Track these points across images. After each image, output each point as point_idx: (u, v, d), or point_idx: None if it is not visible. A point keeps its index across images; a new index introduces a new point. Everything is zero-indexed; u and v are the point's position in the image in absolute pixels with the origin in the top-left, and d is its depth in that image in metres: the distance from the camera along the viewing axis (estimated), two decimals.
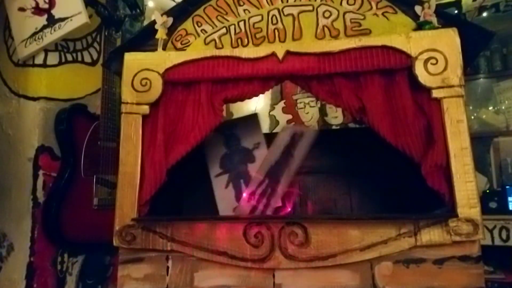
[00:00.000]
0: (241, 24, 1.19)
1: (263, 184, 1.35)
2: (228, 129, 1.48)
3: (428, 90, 1.04)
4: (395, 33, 1.08)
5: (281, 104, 3.25)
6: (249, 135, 1.41)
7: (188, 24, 1.23)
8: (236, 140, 1.48)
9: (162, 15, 1.21)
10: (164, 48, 1.20)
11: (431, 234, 0.98)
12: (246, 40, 1.18)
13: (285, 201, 1.35)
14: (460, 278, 0.97)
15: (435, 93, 1.03)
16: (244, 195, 1.35)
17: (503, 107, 2.81)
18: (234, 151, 1.46)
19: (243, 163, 1.44)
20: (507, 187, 2.40)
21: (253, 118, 1.55)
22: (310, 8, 1.16)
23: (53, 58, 1.97)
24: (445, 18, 1.10)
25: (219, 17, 1.21)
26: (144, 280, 1.10)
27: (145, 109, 1.16)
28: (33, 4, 1.90)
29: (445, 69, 1.03)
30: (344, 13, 1.14)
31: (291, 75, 1.14)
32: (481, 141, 2.72)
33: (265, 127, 3.07)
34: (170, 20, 1.22)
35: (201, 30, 1.22)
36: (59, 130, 1.89)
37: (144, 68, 1.17)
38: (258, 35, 1.17)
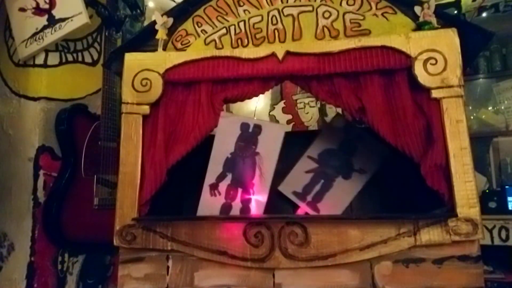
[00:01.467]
0: (241, 24, 1.20)
1: (225, 178, 1.27)
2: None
3: (427, 90, 1.04)
4: (395, 34, 1.09)
5: (281, 104, 3.26)
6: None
7: (188, 25, 1.23)
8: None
9: (162, 16, 1.21)
10: (164, 49, 1.20)
11: (431, 234, 0.99)
12: (246, 40, 1.18)
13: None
14: (460, 277, 0.98)
15: (435, 93, 1.03)
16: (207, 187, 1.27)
17: (502, 107, 2.81)
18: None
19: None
20: (507, 187, 2.40)
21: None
22: (310, 8, 1.17)
23: (53, 58, 1.98)
24: (445, 18, 1.10)
25: (219, 18, 1.22)
26: (144, 280, 1.10)
27: (146, 109, 1.16)
28: (34, 5, 1.90)
29: (444, 69, 1.03)
30: (344, 14, 1.14)
31: (291, 75, 1.14)
32: (481, 141, 2.72)
33: None
34: (170, 21, 1.22)
35: (201, 31, 1.22)
36: (60, 130, 1.90)
37: (145, 68, 1.18)
38: (258, 36, 1.18)
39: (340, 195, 1.43)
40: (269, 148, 1.27)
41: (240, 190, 1.27)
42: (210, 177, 1.28)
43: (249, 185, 1.26)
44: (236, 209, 1.26)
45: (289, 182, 1.48)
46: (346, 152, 1.47)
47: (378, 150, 1.40)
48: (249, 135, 1.29)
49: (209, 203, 1.26)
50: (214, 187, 1.27)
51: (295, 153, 1.48)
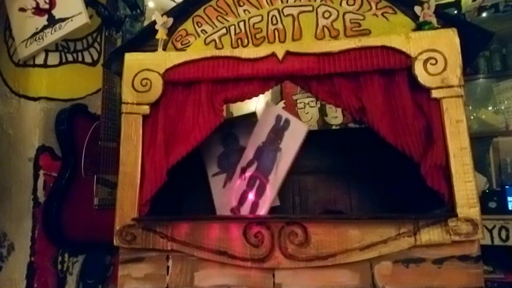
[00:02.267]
0: (241, 24, 1.20)
1: (253, 165, 1.31)
2: (226, 127, 1.47)
3: (427, 90, 1.04)
4: (395, 34, 1.09)
5: (281, 104, 3.26)
6: (248, 134, 1.39)
7: (188, 25, 1.23)
8: (234, 139, 1.47)
9: (162, 16, 1.21)
10: (164, 49, 1.20)
11: (431, 234, 0.99)
12: (246, 40, 1.18)
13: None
14: (460, 277, 0.98)
15: (435, 93, 1.03)
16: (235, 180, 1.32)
17: (502, 107, 2.81)
18: (232, 150, 1.45)
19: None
20: (507, 187, 2.40)
21: (251, 117, 1.53)
22: (310, 8, 1.17)
23: (53, 58, 1.98)
24: (445, 18, 1.10)
25: (219, 18, 1.22)
26: (144, 280, 1.10)
27: (145, 109, 1.16)
28: (34, 5, 1.90)
29: (444, 69, 1.03)
30: (344, 14, 1.14)
31: (291, 75, 1.14)
32: (481, 141, 2.72)
33: None
34: (170, 21, 1.22)
35: (201, 31, 1.22)
36: (60, 130, 1.89)
37: (145, 68, 1.18)
38: (258, 36, 1.18)
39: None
40: (289, 145, 1.29)
41: (258, 182, 1.29)
42: (244, 160, 1.33)
43: (264, 181, 1.28)
44: (247, 205, 1.29)
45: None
46: (230, 144, 1.48)
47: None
48: (279, 128, 1.32)
49: (234, 188, 1.31)
50: (243, 171, 1.32)
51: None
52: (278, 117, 1.32)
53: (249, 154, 1.33)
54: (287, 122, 1.31)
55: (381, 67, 1.07)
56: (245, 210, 1.29)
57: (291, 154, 1.28)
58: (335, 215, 1.35)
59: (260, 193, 1.28)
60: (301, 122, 1.36)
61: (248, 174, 1.31)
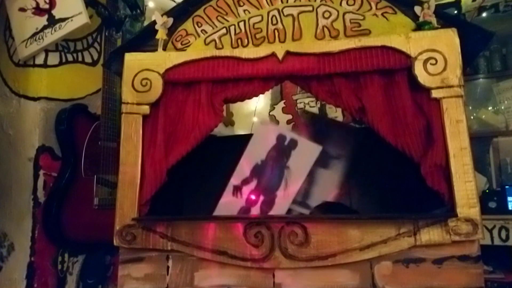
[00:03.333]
0: (241, 24, 1.20)
1: (251, 183, 1.27)
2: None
3: (427, 90, 1.04)
4: (395, 34, 1.09)
5: (281, 104, 3.25)
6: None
7: (188, 25, 1.23)
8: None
9: (162, 16, 1.21)
10: (164, 49, 1.20)
11: (431, 234, 0.99)
12: (246, 40, 1.18)
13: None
14: (460, 277, 0.98)
15: (435, 93, 1.03)
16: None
17: (502, 107, 2.81)
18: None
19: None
20: (507, 187, 2.40)
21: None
22: (310, 8, 1.17)
23: (53, 58, 1.98)
24: (445, 18, 1.10)
25: (219, 18, 1.22)
26: (144, 280, 1.10)
27: (146, 109, 1.17)
28: (34, 5, 1.90)
29: (444, 69, 1.03)
30: (344, 14, 1.14)
31: (291, 75, 1.14)
32: (481, 141, 2.72)
33: None
34: (170, 21, 1.22)
35: (201, 31, 1.22)
36: (60, 130, 1.90)
37: (145, 68, 1.18)
38: (258, 36, 1.18)
39: (324, 185, 1.40)
40: (301, 164, 1.27)
41: (262, 197, 1.26)
42: (236, 178, 1.29)
43: (271, 195, 1.26)
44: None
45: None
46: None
47: (350, 134, 1.40)
48: (284, 148, 1.29)
49: (229, 203, 1.26)
50: (238, 189, 1.28)
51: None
52: (281, 137, 1.30)
53: (243, 171, 1.28)
54: (293, 142, 1.29)
55: (381, 67, 1.07)
56: None
57: (303, 173, 1.26)
58: (335, 215, 1.34)
59: (264, 208, 1.25)
60: (312, 143, 1.30)
61: (245, 191, 1.27)
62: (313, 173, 1.39)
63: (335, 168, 1.42)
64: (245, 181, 1.28)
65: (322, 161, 1.39)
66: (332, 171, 1.42)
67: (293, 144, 1.29)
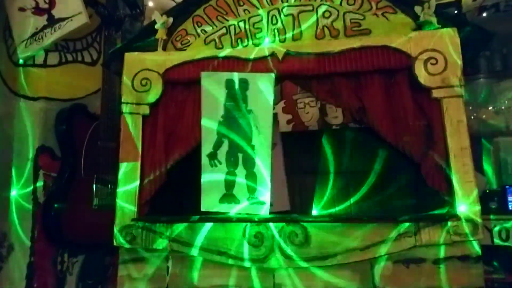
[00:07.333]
0: (241, 24, 1.20)
1: (222, 144, 1.15)
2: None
3: (428, 90, 1.04)
4: (395, 33, 1.09)
5: (281, 104, 3.25)
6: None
7: (188, 24, 1.23)
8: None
9: (162, 15, 1.21)
10: (164, 48, 1.20)
11: (431, 234, 0.98)
12: (246, 40, 1.18)
13: None
14: (460, 278, 0.98)
15: (435, 93, 1.03)
16: None
17: (503, 107, 2.80)
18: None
19: None
20: (507, 187, 2.40)
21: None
22: (310, 8, 1.17)
23: (53, 58, 1.97)
24: (445, 18, 1.10)
25: (219, 17, 1.21)
26: (144, 280, 1.10)
27: (145, 109, 1.17)
28: (33, 4, 1.90)
29: (445, 69, 1.03)
30: (344, 13, 1.14)
31: (291, 75, 1.14)
32: (481, 141, 2.72)
33: None
34: (170, 20, 1.22)
35: (201, 30, 1.22)
36: (59, 130, 1.89)
37: (144, 68, 1.18)
38: (258, 35, 1.18)
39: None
40: (261, 102, 1.15)
41: (241, 155, 1.15)
42: (206, 147, 1.15)
43: (249, 148, 1.15)
44: (241, 178, 1.15)
45: None
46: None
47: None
48: (238, 92, 1.16)
49: (211, 177, 1.15)
50: (212, 156, 1.15)
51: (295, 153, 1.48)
52: (229, 82, 1.17)
53: (209, 137, 1.16)
54: (243, 82, 1.16)
55: (382, 67, 1.07)
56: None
57: (268, 109, 1.15)
58: (335, 215, 1.35)
59: (250, 167, 1.14)
60: (261, 73, 1.16)
61: (221, 156, 1.15)
62: None
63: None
64: (217, 145, 1.16)
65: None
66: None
67: (244, 84, 1.16)
